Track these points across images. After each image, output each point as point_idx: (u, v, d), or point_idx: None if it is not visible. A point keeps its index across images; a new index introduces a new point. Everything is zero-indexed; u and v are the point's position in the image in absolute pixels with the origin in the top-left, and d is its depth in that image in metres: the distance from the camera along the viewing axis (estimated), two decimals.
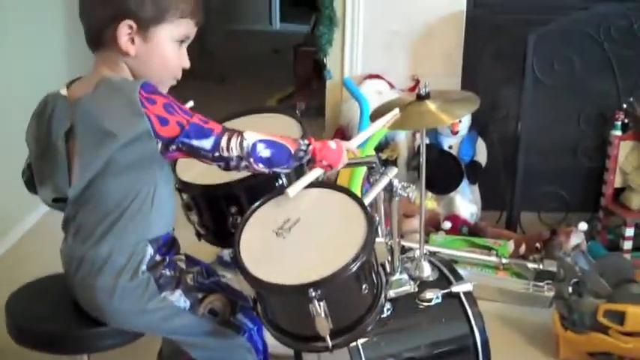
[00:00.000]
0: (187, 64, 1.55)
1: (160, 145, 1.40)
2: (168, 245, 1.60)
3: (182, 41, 1.52)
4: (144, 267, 1.52)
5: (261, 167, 1.48)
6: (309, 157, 1.54)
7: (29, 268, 2.17)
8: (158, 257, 1.56)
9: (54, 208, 1.58)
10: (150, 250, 1.53)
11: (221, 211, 1.72)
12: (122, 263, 1.50)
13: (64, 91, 1.52)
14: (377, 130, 1.79)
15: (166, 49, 1.49)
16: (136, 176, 1.46)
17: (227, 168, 1.47)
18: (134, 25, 1.43)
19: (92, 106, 1.42)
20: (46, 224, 3.22)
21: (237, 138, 1.44)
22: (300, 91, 5.73)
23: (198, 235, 1.85)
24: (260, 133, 1.48)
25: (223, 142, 1.43)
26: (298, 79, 5.85)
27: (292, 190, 1.53)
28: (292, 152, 1.50)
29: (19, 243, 3.24)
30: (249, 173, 1.61)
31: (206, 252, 2.05)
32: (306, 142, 1.54)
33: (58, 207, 1.57)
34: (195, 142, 1.41)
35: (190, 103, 1.71)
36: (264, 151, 1.46)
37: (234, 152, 1.43)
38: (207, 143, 1.42)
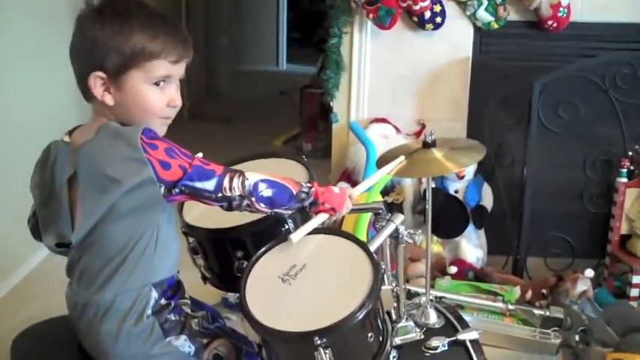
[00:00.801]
0: (177, 103, 1.52)
1: (162, 189, 1.41)
2: (174, 289, 1.60)
3: (162, 81, 1.48)
4: (149, 311, 1.51)
5: (262, 207, 1.49)
6: (312, 199, 1.55)
7: (35, 307, 2.17)
8: (163, 301, 1.55)
9: (57, 253, 1.58)
10: (155, 294, 1.53)
11: (227, 255, 1.72)
12: (127, 308, 1.49)
13: (66, 138, 1.53)
14: (381, 177, 1.80)
15: (144, 94, 1.47)
16: (139, 220, 1.45)
17: (229, 208, 1.48)
18: (104, 76, 1.44)
19: (94, 152, 1.42)
20: (51, 264, 3.22)
21: (239, 178, 1.46)
22: (306, 133, 5.77)
23: (204, 279, 1.85)
24: (262, 173, 1.50)
25: (226, 183, 1.44)
26: (304, 120, 5.89)
27: (296, 236, 1.54)
28: (294, 193, 1.52)
29: (24, 282, 3.23)
30: (255, 217, 1.62)
31: (212, 293, 2.05)
32: (309, 185, 1.56)
33: (61, 252, 1.57)
34: (198, 184, 1.42)
35: (199, 155, 1.72)
36: (265, 191, 1.48)
37: (237, 192, 1.45)
38: (209, 185, 1.43)
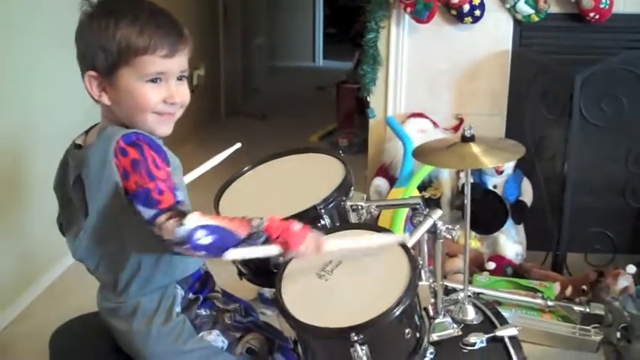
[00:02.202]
0: (175, 100, 1.46)
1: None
2: (201, 282, 1.60)
3: (158, 78, 1.44)
4: (177, 309, 1.52)
5: (203, 254, 1.34)
6: (265, 237, 1.39)
7: (72, 303, 2.20)
8: (191, 296, 1.56)
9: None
10: (180, 292, 1.53)
11: None
12: (153, 308, 1.49)
13: (79, 140, 1.53)
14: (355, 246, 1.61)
15: (138, 91, 1.42)
16: (137, 222, 1.38)
17: (172, 251, 1.36)
18: (97, 76, 1.42)
19: (89, 156, 1.42)
20: None
21: (175, 221, 1.30)
22: (343, 128, 5.77)
23: (240, 274, 1.85)
24: (209, 217, 1.33)
25: (160, 220, 1.32)
26: (340, 116, 5.89)
27: (230, 255, 1.37)
28: (241, 238, 1.35)
29: (61, 278, 3.28)
30: (290, 213, 1.61)
31: (248, 288, 2.05)
32: (262, 223, 1.39)
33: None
34: (139, 207, 1.34)
35: (237, 145, 1.71)
36: (204, 239, 1.30)
37: (166, 234, 1.31)
38: (147, 213, 1.33)
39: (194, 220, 1.31)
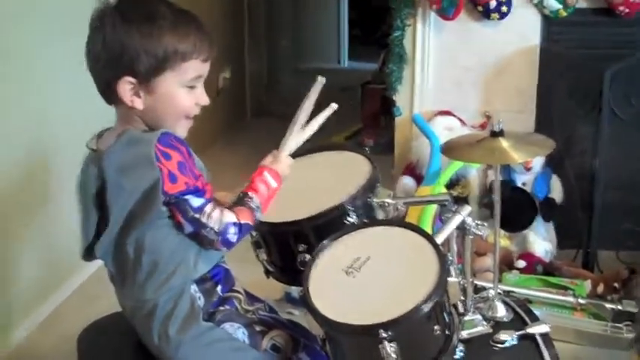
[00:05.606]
0: (205, 102, 1.50)
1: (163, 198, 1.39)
2: (218, 280, 1.59)
3: (194, 83, 1.47)
4: (196, 307, 1.51)
5: (224, 250, 1.49)
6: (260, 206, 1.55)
7: (101, 305, 2.21)
8: (210, 293, 1.56)
9: (86, 260, 1.59)
10: (197, 290, 1.53)
11: (290, 248, 1.70)
12: (170, 307, 1.50)
13: (92, 144, 1.52)
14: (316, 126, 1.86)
15: (176, 96, 1.45)
16: (158, 224, 1.44)
17: (196, 236, 1.46)
18: (134, 80, 1.40)
19: (113, 160, 1.41)
20: None
21: (220, 211, 1.43)
22: (368, 129, 5.74)
23: (267, 273, 1.84)
24: (238, 214, 1.47)
25: (208, 208, 1.42)
26: (365, 116, 5.87)
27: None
28: (251, 225, 1.52)
29: (90, 280, 3.28)
30: (317, 211, 1.61)
31: (275, 288, 2.04)
32: (256, 201, 1.54)
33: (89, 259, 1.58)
34: (189, 197, 1.40)
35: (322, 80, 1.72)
36: (232, 236, 1.44)
37: (212, 223, 1.42)
38: (196, 202, 1.41)
39: (231, 214, 1.45)
